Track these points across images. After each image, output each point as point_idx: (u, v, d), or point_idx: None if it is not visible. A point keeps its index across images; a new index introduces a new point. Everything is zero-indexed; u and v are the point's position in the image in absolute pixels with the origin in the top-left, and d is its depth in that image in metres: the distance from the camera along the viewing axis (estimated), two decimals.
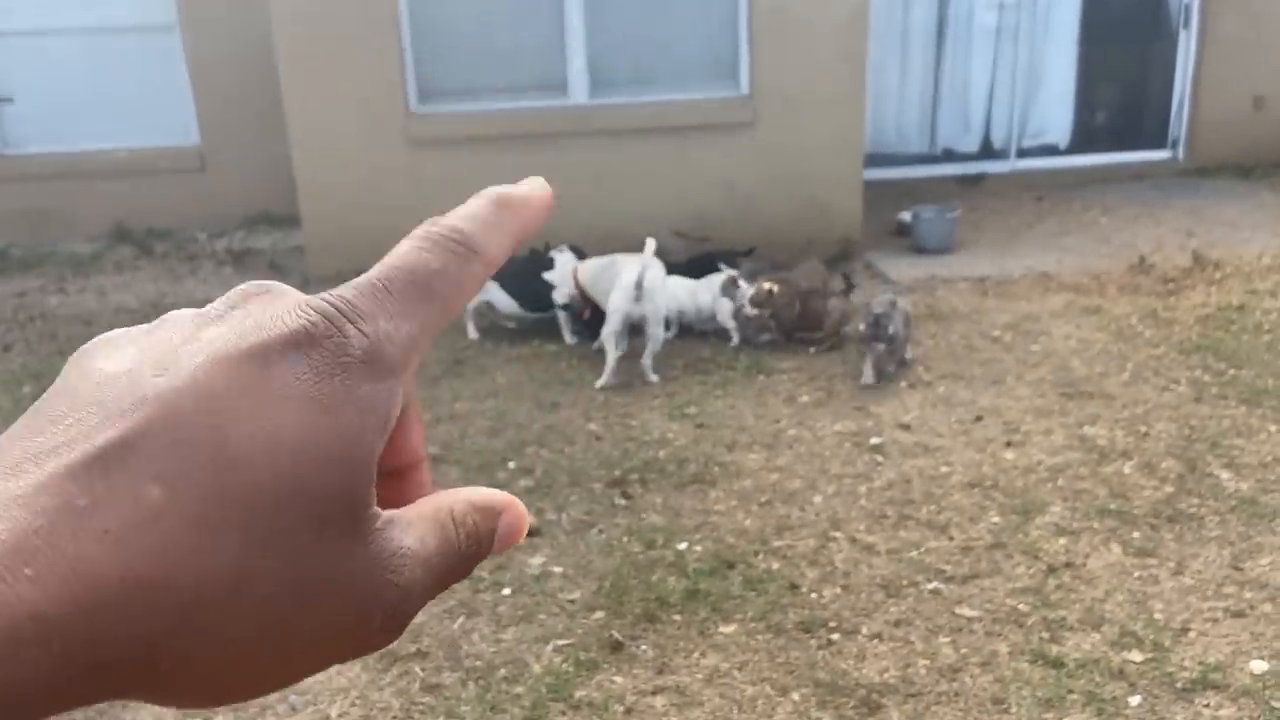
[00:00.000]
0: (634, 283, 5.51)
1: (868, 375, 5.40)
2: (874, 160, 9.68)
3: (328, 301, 0.36)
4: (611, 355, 5.67)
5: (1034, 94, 10.09)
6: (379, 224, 7.87)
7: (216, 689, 0.34)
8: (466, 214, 0.40)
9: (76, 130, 9.35)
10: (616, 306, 5.61)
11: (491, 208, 0.40)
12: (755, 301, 5.81)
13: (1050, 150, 10.18)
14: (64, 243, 9.11)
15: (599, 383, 5.70)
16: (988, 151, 10.16)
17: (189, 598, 0.32)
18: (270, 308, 0.36)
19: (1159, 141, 10.16)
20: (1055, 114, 10.17)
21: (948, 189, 9.63)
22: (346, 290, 0.37)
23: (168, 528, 0.32)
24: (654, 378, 5.77)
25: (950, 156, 10.19)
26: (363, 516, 0.35)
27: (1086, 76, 10.08)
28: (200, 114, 9.39)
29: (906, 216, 8.26)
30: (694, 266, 6.64)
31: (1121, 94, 10.23)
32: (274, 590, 0.33)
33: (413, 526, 0.37)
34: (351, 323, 0.36)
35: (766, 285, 5.90)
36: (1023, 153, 10.13)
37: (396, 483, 0.42)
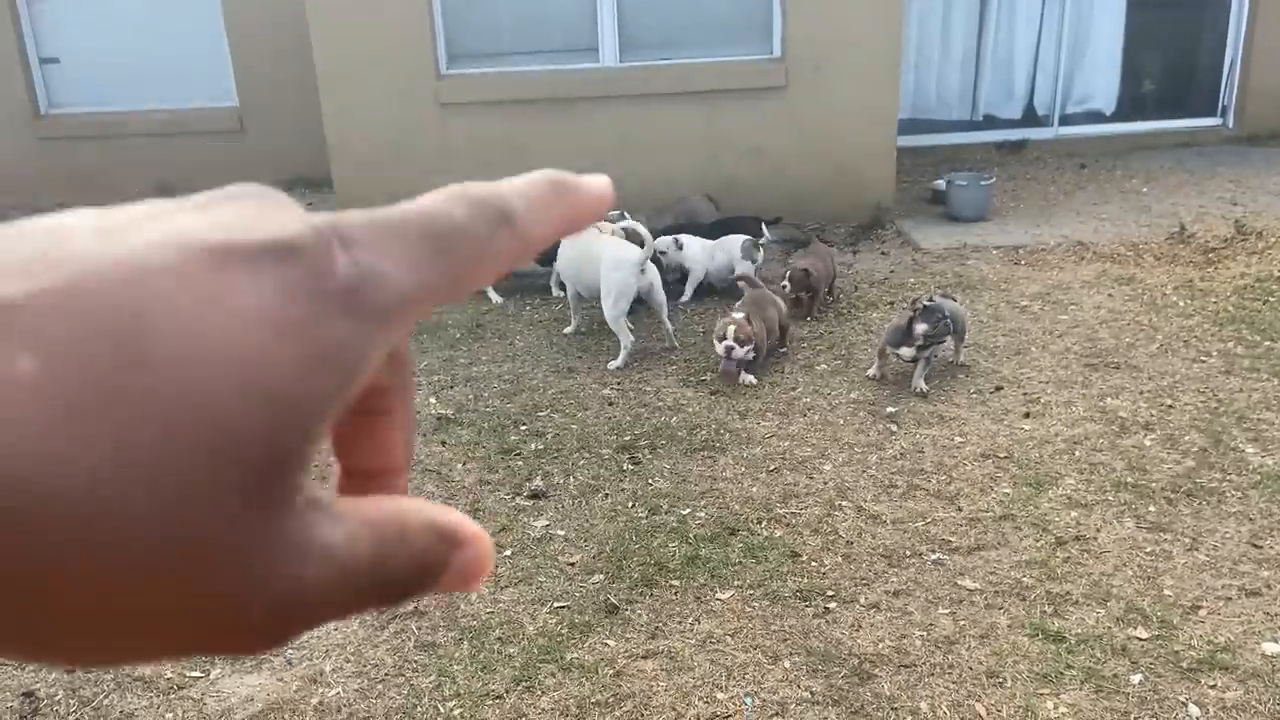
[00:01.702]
0: (640, 260, 5.42)
1: (875, 370, 5.18)
2: (913, 126, 9.51)
3: (327, 219, 0.30)
4: (627, 338, 5.52)
5: (1080, 59, 9.81)
6: (409, 187, 7.84)
7: (24, 639, 0.27)
8: (513, 184, 0.34)
9: (119, 91, 9.47)
10: (624, 287, 5.43)
11: (543, 185, 0.35)
12: (742, 339, 5.02)
13: (1095, 117, 9.92)
14: (107, 202, 9.21)
15: (613, 364, 5.55)
16: (1030, 118, 9.92)
17: (25, 503, 0.25)
18: (264, 211, 0.30)
19: (1208, 109, 9.84)
20: (1101, 80, 9.89)
21: (988, 156, 9.43)
22: (354, 215, 0.31)
23: (24, 410, 0.25)
24: (676, 343, 5.73)
25: (992, 123, 9.97)
26: (282, 482, 0.28)
27: (1134, 42, 9.78)
28: (239, 77, 9.46)
29: (941, 184, 8.10)
30: (719, 229, 6.58)
31: (1170, 60, 9.92)
32: (136, 530, 0.26)
33: (345, 523, 0.30)
34: (345, 248, 0.29)
35: (746, 323, 5.08)
36: (1066, 119, 9.87)
37: (360, 487, 0.36)
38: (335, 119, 7.71)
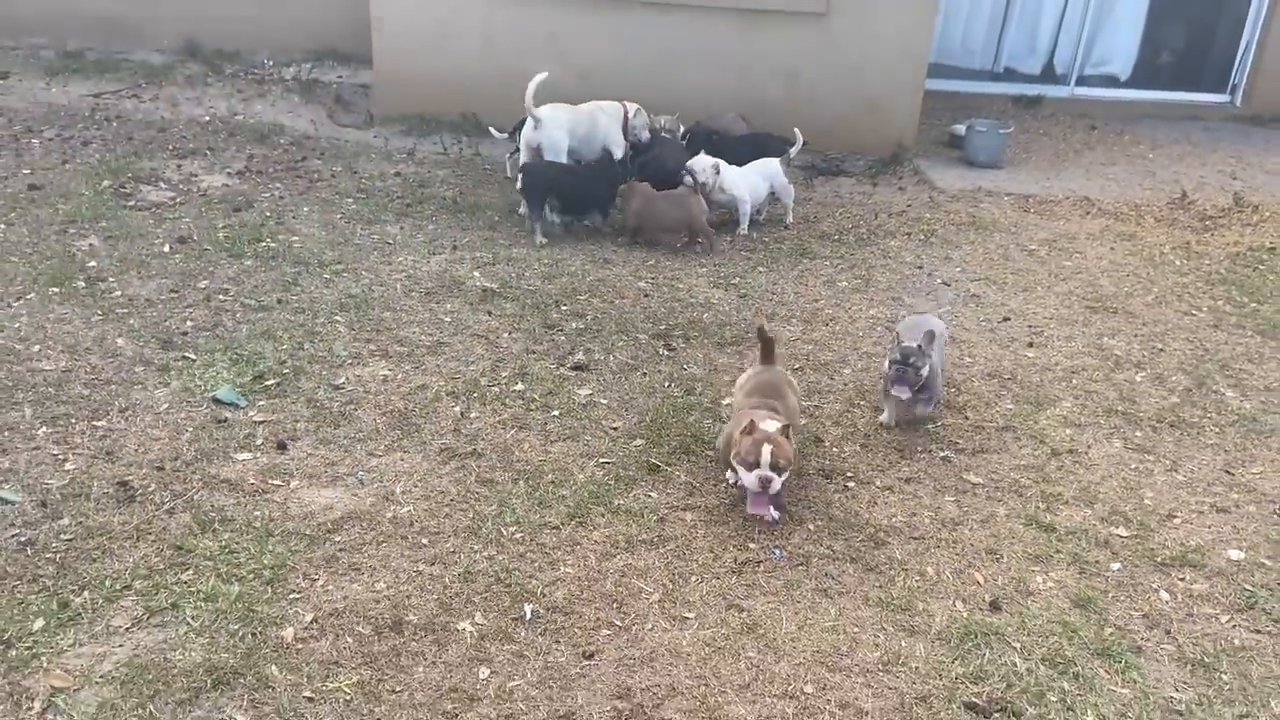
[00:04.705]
0: (535, 117, 6.16)
1: (888, 415, 4.32)
2: (935, 71, 9.71)
3: None
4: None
5: (1102, 24, 10.07)
6: (448, 71, 8.14)
7: None
8: None
9: None
10: (522, 140, 6.29)
11: None
12: (782, 465, 3.44)
13: (1111, 81, 10.22)
14: (136, 51, 9.29)
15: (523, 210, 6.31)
16: (1049, 75, 10.20)
17: None
18: None
19: (1218, 85, 10.17)
20: (1121, 46, 10.16)
21: (1004, 107, 9.72)
22: None
23: None
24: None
25: (1011, 76, 10.23)
26: None
27: (1157, 13, 10.05)
28: None
29: (960, 129, 8.39)
30: (747, 144, 6.83)
31: (1189, 34, 10.21)
32: None
33: None
34: None
35: (784, 438, 3.48)
36: (1083, 80, 10.16)
37: None
38: None
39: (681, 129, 6.99)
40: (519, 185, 6.01)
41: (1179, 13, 10.13)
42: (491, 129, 6.92)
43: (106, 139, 7.20)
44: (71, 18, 9.33)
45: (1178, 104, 10.01)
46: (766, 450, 3.43)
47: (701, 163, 6.22)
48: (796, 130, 6.74)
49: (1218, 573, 3.49)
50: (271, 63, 9.31)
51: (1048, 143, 8.85)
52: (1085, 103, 9.96)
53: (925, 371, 4.06)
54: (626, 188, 6.12)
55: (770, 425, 3.51)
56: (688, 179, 6.17)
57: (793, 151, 6.61)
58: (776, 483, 3.46)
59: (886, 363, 4.18)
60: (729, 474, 3.74)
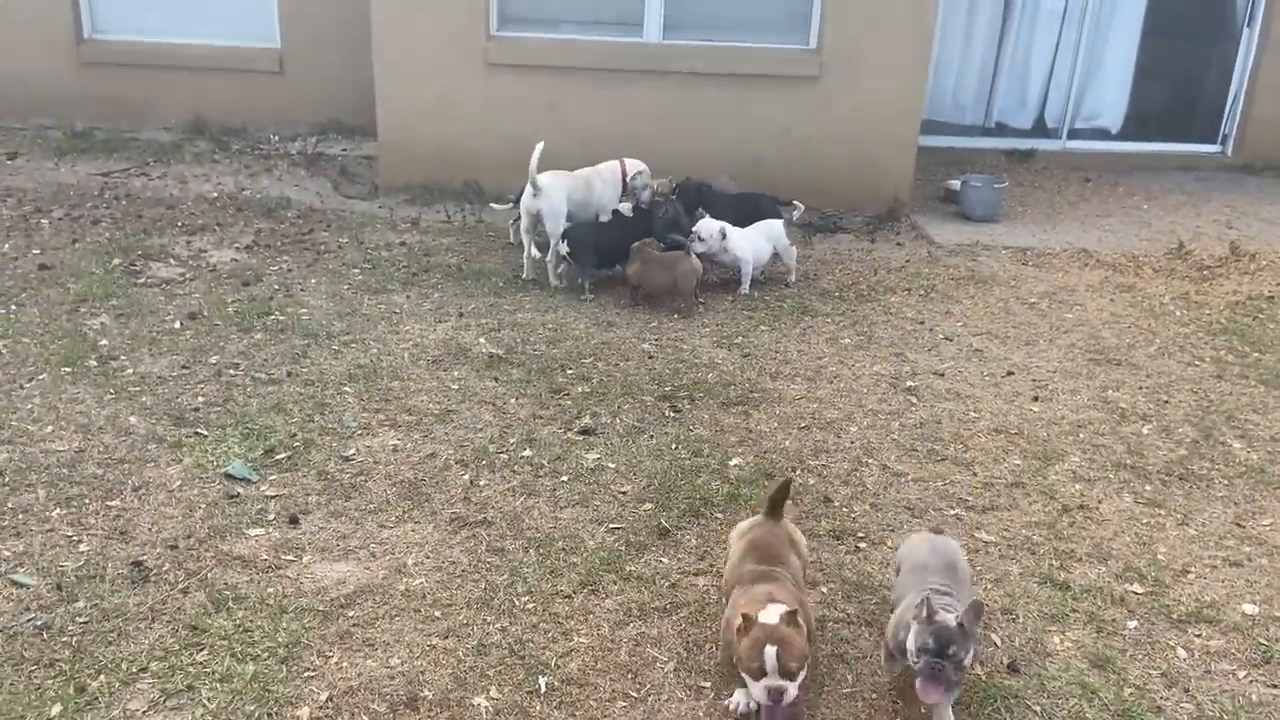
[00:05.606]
0: (532, 185, 6.23)
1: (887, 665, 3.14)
2: (928, 127, 9.86)
3: None
4: (526, 249, 6.54)
5: (1092, 78, 10.23)
6: (452, 140, 8.29)
7: None
8: None
9: (162, 21, 9.63)
10: (522, 206, 6.43)
11: None
12: (794, 668, 2.74)
13: (1102, 134, 10.34)
14: (143, 130, 9.45)
15: (525, 275, 6.54)
16: (1040, 129, 10.33)
17: None
18: None
19: (1209, 136, 10.30)
20: (1110, 99, 10.31)
21: (997, 162, 9.83)
22: None
23: None
24: (555, 280, 6.48)
25: (1003, 131, 10.36)
26: None
27: (1145, 65, 10.20)
28: (283, 18, 9.64)
29: (955, 184, 8.49)
30: (740, 204, 6.92)
31: (1177, 86, 10.35)
32: None
33: None
34: None
35: (793, 630, 2.78)
36: (1074, 134, 10.29)
37: None
38: (386, 69, 7.98)
39: (673, 185, 7.10)
40: (566, 252, 6.19)
41: (1166, 66, 10.29)
42: (493, 204, 7.17)
43: (116, 217, 7.29)
44: (79, 98, 9.51)
45: (1169, 155, 10.12)
46: (771, 652, 2.71)
47: (709, 228, 6.31)
48: (797, 202, 6.95)
49: (1233, 628, 3.48)
50: (277, 138, 9.47)
51: (1042, 196, 8.96)
52: (1078, 155, 10.08)
53: (969, 661, 2.84)
54: (636, 246, 6.19)
55: (771, 615, 2.77)
56: (696, 245, 6.24)
57: (795, 216, 6.80)
58: (791, 689, 2.74)
59: (909, 644, 2.83)
60: (736, 696, 3.00)
